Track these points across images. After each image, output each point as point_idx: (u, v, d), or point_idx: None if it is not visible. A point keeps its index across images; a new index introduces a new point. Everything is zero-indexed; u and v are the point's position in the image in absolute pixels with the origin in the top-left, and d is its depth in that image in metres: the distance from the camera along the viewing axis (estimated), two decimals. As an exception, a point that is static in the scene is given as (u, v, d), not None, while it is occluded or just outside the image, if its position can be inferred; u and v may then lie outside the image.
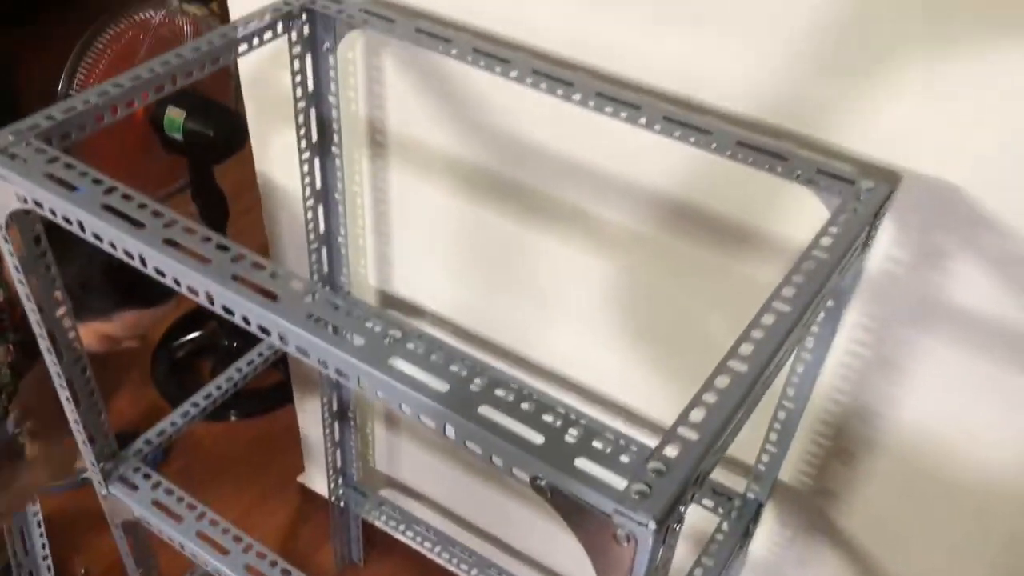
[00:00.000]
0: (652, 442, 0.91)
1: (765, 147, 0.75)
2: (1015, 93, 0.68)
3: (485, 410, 0.53)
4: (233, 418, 1.88)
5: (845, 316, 0.84)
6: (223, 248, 0.63)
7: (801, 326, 0.61)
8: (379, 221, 1.17)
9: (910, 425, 0.90)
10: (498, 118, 0.97)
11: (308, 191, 1.09)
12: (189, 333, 2.01)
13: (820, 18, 0.73)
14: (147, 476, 0.98)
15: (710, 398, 0.54)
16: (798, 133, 0.79)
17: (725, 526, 0.96)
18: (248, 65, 1.14)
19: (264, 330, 0.60)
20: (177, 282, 0.64)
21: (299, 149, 1.05)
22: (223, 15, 1.81)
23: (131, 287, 1.12)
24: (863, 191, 0.72)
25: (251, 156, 1.26)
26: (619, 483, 0.50)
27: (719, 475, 1.03)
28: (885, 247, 0.80)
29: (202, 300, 0.63)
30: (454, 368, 0.56)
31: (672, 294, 0.97)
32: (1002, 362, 0.80)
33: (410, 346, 0.57)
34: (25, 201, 0.70)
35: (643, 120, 0.79)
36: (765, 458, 0.94)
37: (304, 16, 0.94)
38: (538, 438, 0.52)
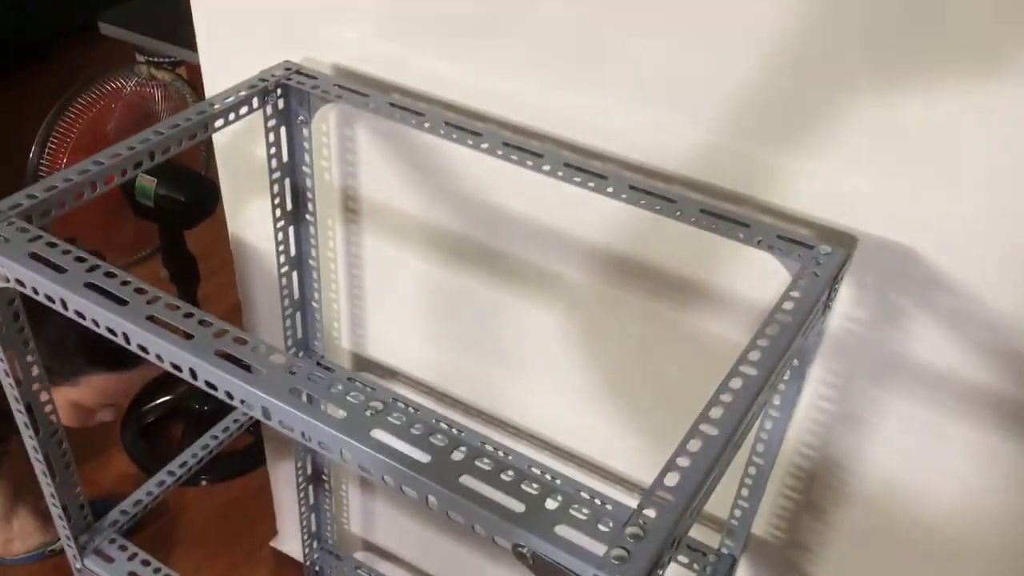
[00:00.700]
0: (625, 498, 0.92)
1: (727, 215, 0.78)
2: (961, 161, 0.72)
3: (467, 480, 0.55)
4: (204, 482, 1.86)
5: (810, 374, 0.87)
6: (205, 323, 0.65)
7: (768, 388, 0.63)
8: (352, 286, 1.19)
9: (876, 477, 0.92)
10: (469, 186, 1.00)
11: (283, 258, 1.11)
12: (159, 397, 2.00)
13: (771, 96, 0.77)
14: (123, 548, 0.97)
15: (683, 462, 0.56)
16: (757, 199, 0.82)
17: (700, 582, 0.97)
18: (222, 136, 1.16)
19: (247, 404, 0.62)
20: (160, 358, 0.65)
21: (274, 218, 1.07)
22: (191, 79, 1.84)
23: (97, 349, 1.12)
24: (821, 255, 0.75)
25: (219, 217, 1.27)
26: (598, 549, 0.51)
27: (693, 531, 1.05)
28: (845, 307, 0.83)
29: (185, 375, 0.64)
30: (435, 439, 0.58)
31: (640, 353, 1.00)
32: (960, 415, 0.83)
33: (391, 418, 0.59)
34: (7, 280, 0.71)
35: (610, 189, 0.82)
36: (738, 513, 0.96)
37: (279, 91, 0.97)
38: (519, 507, 0.54)
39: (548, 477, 1.06)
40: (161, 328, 0.65)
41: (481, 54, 0.90)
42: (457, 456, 0.57)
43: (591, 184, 0.83)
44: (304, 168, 1.05)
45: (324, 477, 1.37)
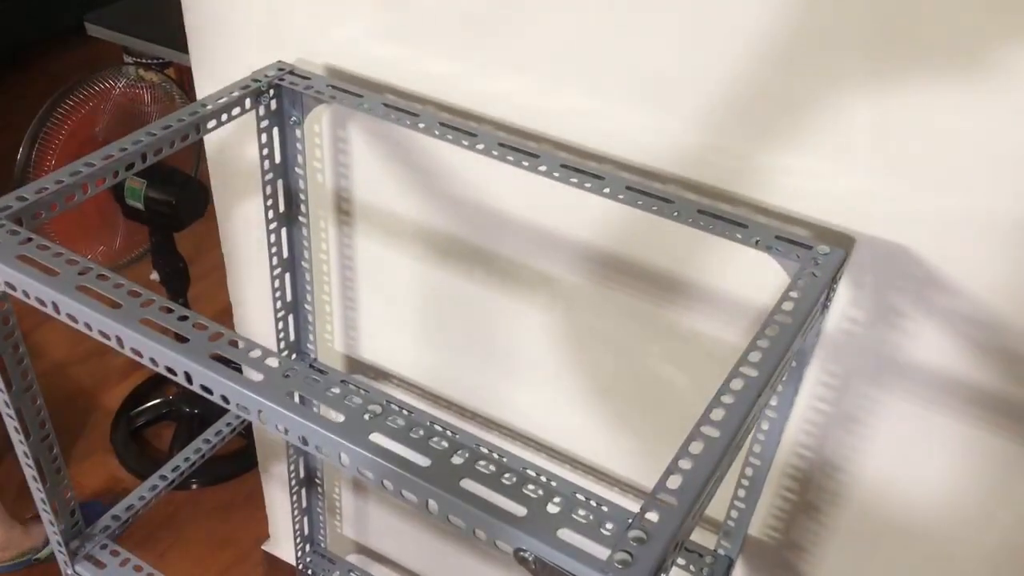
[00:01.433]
0: (620, 500, 0.91)
1: (725, 215, 0.78)
2: (959, 160, 0.72)
3: (467, 484, 0.54)
4: (195, 486, 1.85)
5: (807, 374, 0.87)
6: (200, 327, 0.64)
7: (768, 389, 0.63)
8: (345, 288, 1.19)
9: (872, 478, 0.92)
10: (463, 187, 1.00)
11: (275, 260, 1.10)
12: (149, 400, 1.99)
13: (768, 95, 0.76)
14: (115, 553, 0.96)
15: (685, 464, 0.56)
16: (754, 199, 0.82)
17: (697, 584, 0.97)
18: (213, 137, 1.15)
19: (244, 409, 0.61)
20: (155, 362, 0.64)
21: (266, 219, 1.06)
22: (180, 80, 1.83)
23: None
24: (820, 255, 0.75)
25: (208, 219, 1.26)
26: (602, 552, 0.51)
27: (689, 532, 1.05)
28: (842, 307, 0.83)
29: (180, 379, 0.63)
30: (434, 443, 0.57)
31: (635, 355, 0.99)
32: (956, 414, 0.83)
33: (390, 422, 0.58)
34: (-2, 283, 0.70)
35: (607, 190, 0.82)
36: (734, 514, 0.95)
37: (272, 91, 0.96)
38: (521, 510, 0.53)
39: (543, 480, 1.05)
40: (155, 331, 0.64)
41: (475, 55, 0.90)
42: (457, 460, 0.56)
43: (588, 185, 0.82)
44: (297, 169, 1.04)
45: (317, 480, 1.37)
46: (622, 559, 0.50)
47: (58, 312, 0.67)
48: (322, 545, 1.45)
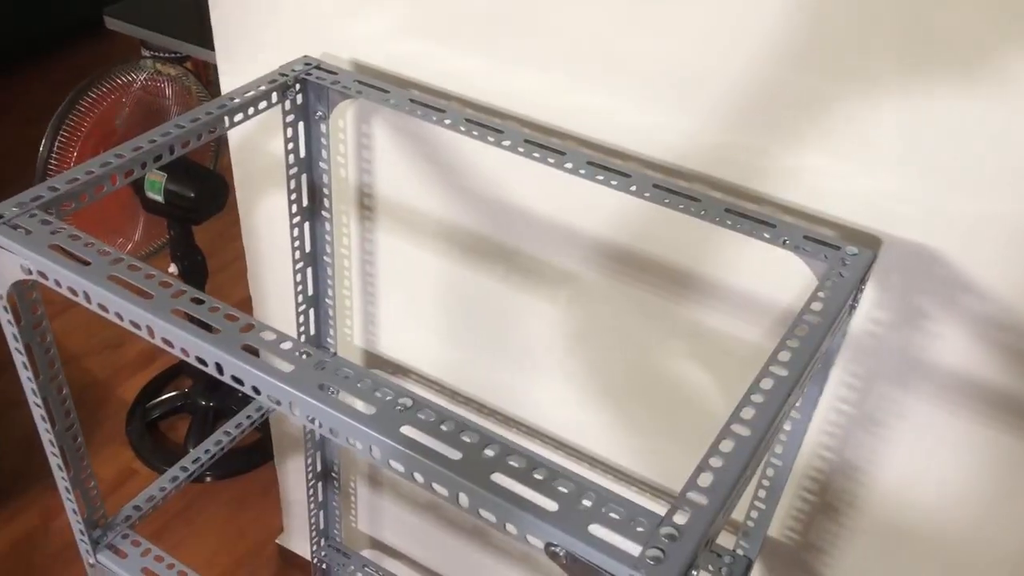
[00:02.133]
0: (639, 499, 0.92)
1: (753, 214, 0.78)
2: (987, 161, 0.72)
3: (498, 478, 0.55)
4: (209, 479, 1.86)
5: (831, 375, 0.86)
6: (231, 318, 0.64)
7: (797, 388, 0.63)
8: (366, 283, 1.19)
9: (893, 480, 0.92)
10: (485, 184, 1.00)
11: (298, 254, 1.10)
12: (164, 393, 2.00)
13: (795, 95, 0.76)
14: (136, 543, 0.97)
15: (716, 462, 0.56)
16: (779, 199, 0.82)
17: (716, 583, 0.97)
18: (237, 132, 1.15)
19: (275, 400, 0.61)
20: (186, 352, 0.64)
21: (290, 214, 1.06)
22: (198, 74, 1.83)
23: None
24: (848, 256, 0.74)
25: (226, 213, 1.26)
26: (634, 549, 0.51)
27: (707, 532, 1.05)
28: (867, 309, 0.83)
29: (211, 370, 0.63)
30: (465, 437, 0.57)
31: (655, 352, 0.99)
32: (980, 417, 0.83)
33: (420, 415, 0.58)
34: (30, 272, 0.70)
35: (633, 188, 0.82)
36: (754, 515, 0.95)
37: (298, 86, 0.96)
38: (552, 505, 0.53)
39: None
40: (186, 322, 0.64)
41: (501, 52, 0.90)
42: (488, 453, 0.56)
43: (614, 182, 0.82)
44: (321, 164, 1.04)
45: (333, 474, 1.37)
46: (654, 555, 0.50)
47: (89, 302, 0.68)
48: (337, 539, 1.46)
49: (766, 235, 0.77)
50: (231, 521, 1.79)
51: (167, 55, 2.01)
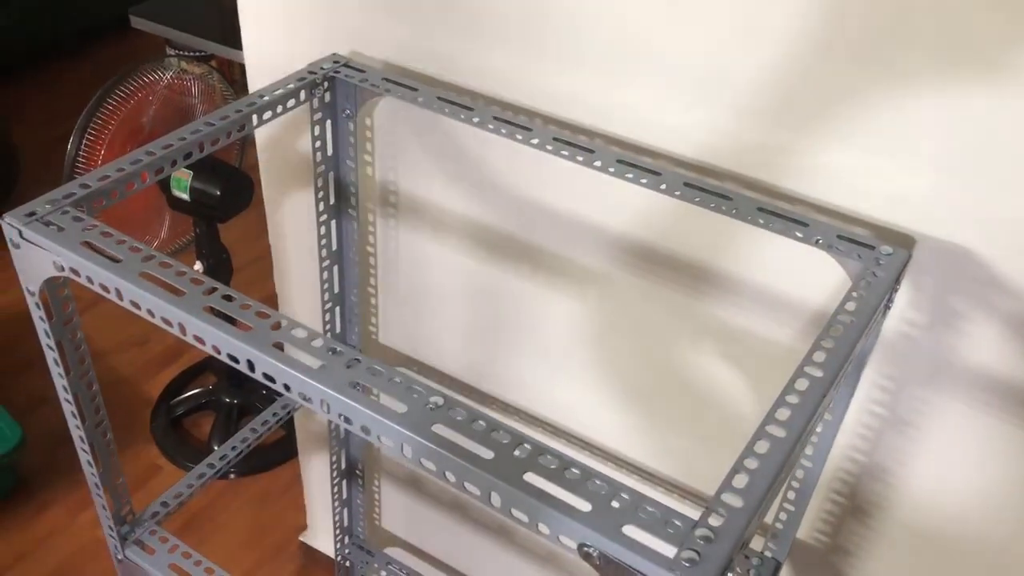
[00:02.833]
0: (664, 500, 0.90)
1: (785, 213, 0.77)
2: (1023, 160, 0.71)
3: (531, 477, 0.54)
4: (233, 476, 1.87)
5: (862, 377, 0.85)
6: (263, 315, 0.64)
7: (832, 389, 0.62)
8: (390, 281, 1.19)
9: (925, 483, 0.91)
10: (511, 182, 0.99)
11: (324, 252, 1.10)
12: (188, 390, 2.01)
13: (827, 92, 0.75)
14: (164, 539, 0.97)
15: (751, 464, 0.55)
16: (811, 198, 0.81)
17: (744, 586, 0.96)
18: (264, 131, 1.16)
19: (306, 398, 0.61)
20: (217, 349, 0.64)
21: (317, 212, 1.06)
22: (223, 72, 1.84)
23: None
24: (883, 255, 0.74)
25: (250, 211, 1.26)
26: (668, 550, 0.50)
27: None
28: (901, 309, 0.82)
29: (242, 367, 0.63)
30: (497, 436, 0.57)
31: (681, 353, 0.99)
32: (1015, 419, 0.82)
33: (452, 413, 0.58)
34: (62, 269, 0.71)
35: (664, 186, 0.81)
36: (783, 516, 0.95)
37: (326, 84, 0.96)
38: (585, 505, 0.53)
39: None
40: (218, 319, 0.64)
41: (529, 51, 0.89)
42: (520, 453, 0.56)
43: (644, 180, 0.82)
44: (348, 162, 1.04)
45: (358, 472, 1.37)
46: (689, 557, 0.50)
47: (121, 298, 0.68)
48: (361, 537, 1.46)
49: (799, 234, 0.76)
50: (255, 518, 1.80)
51: (192, 54, 2.02)
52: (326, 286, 1.14)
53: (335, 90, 0.97)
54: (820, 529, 1.01)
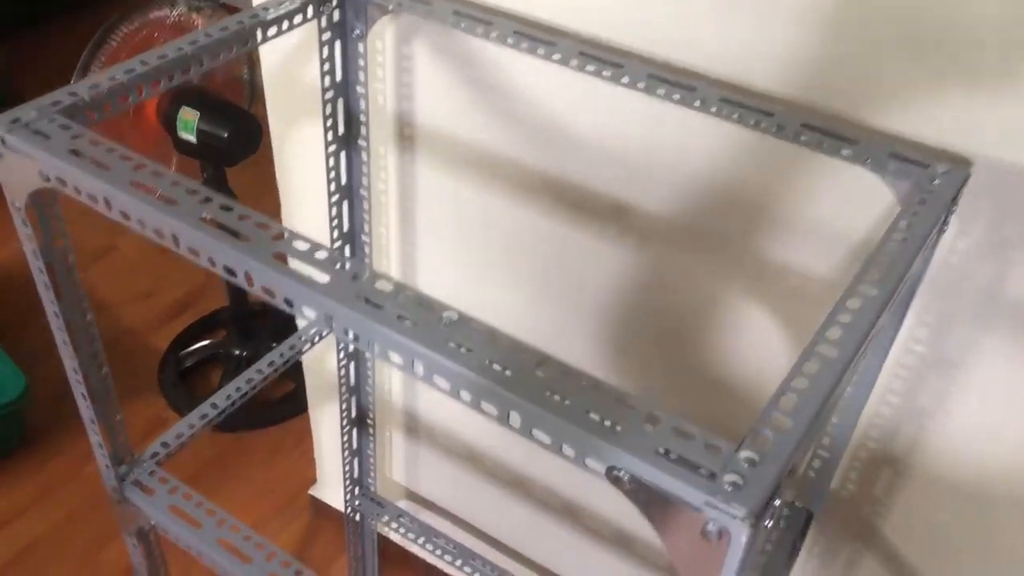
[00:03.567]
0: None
1: (832, 130, 0.71)
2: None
3: (556, 397, 0.49)
4: (242, 430, 1.83)
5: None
6: (263, 226, 0.59)
7: (887, 311, 0.56)
8: (404, 219, 1.13)
9: (965, 430, 0.85)
10: (534, 108, 0.93)
11: (333, 186, 1.05)
12: (198, 341, 1.97)
13: (883, 4, 0.69)
14: (163, 480, 0.93)
15: (800, 384, 0.50)
16: (857, 118, 0.75)
17: (773, 536, 0.91)
18: (271, 57, 1.10)
19: (309, 313, 0.56)
20: (213, 262, 0.59)
21: (325, 142, 1.01)
22: (231, 11, 1.78)
23: None
24: (938, 174, 0.68)
25: (260, 156, 1.21)
26: (709, 473, 0.45)
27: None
28: (950, 239, 0.76)
29: (240, 281, 0.58)
30: (518, 354, 0.51)
31: (714, 291, 0.93)
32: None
33: (469, 328, 0.53)
34: (48, 179, 0.66)
35: (698, 102, 0.75)
36: (816, 464, 0.89)
37: (335, 1, 0.90)
38: (616, 425, 0.47)
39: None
40: (215, 229, 0.59)
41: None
42: (544, 372, 0.50)
43: (677, 96, 0.76)
44: (358, 88, 0.98)
45: (368, 421, 1.33)
46: (733, 480, 0.44)
47: (110, 208, 0.63)
48: (371, 489, 1.42)
49: (846, 152, 0.70)
50: (263, 472, 1.76)
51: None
52: (335, 223, 1.09)
53: (344, 7, 0.91)
54: (851, 478, 0.95)
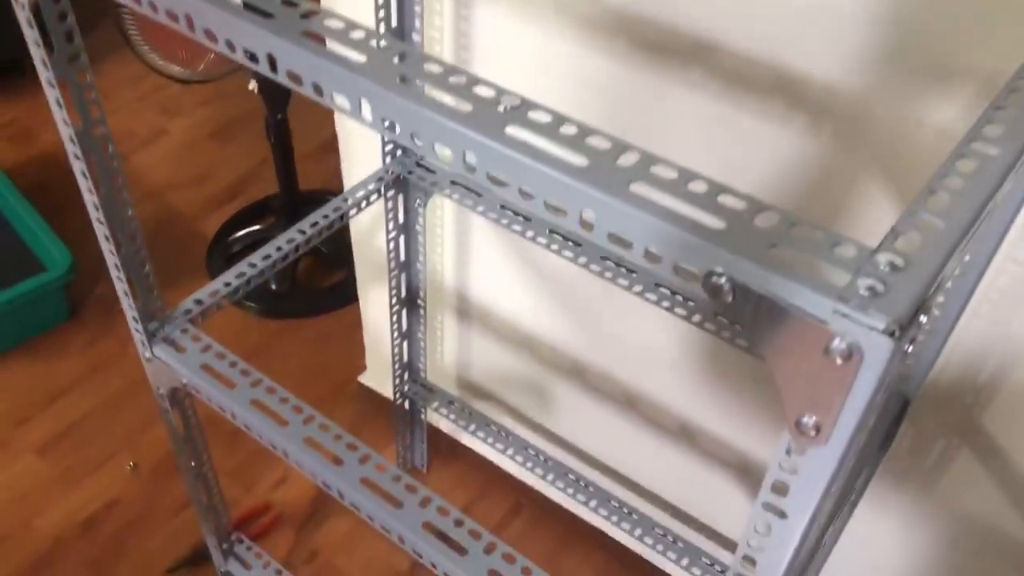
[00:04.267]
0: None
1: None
2: None
3: (639, 188, 0.39)
4: (290, 316, 1.77)
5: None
6: (290, 3, 0.50)
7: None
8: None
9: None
10: None
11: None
12: (247, 227, 1.91)
13: None
14: (196, 338, 0.86)
15: (954, 182, 0.39)
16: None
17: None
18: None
19: (342, 98, 0.47)
20: (231, 45, 0.50)
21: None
22: None
23: None
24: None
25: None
26: (839, 278, 0.35)
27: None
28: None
29: (262, 66, 0.49)
30: (593, 141, 0.42)
31: (804, 146, 0.82)
32: None
33: (532, 115, 0.43)
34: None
35: None
36: (920, 338, 0.79)
37: None
38: (717, 223, 0.38)
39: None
40: (236, 5, 0.50)
41: None
42: (626, 161, 0.41)
43: None
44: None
45: (419, 302, 1.25)
46: (870, 286, 0.34)
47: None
48: (422, 374, 1.35)
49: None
50: (312, 359, 1.71)
51: None
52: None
53: None
54: (951, 360, 0.85)
